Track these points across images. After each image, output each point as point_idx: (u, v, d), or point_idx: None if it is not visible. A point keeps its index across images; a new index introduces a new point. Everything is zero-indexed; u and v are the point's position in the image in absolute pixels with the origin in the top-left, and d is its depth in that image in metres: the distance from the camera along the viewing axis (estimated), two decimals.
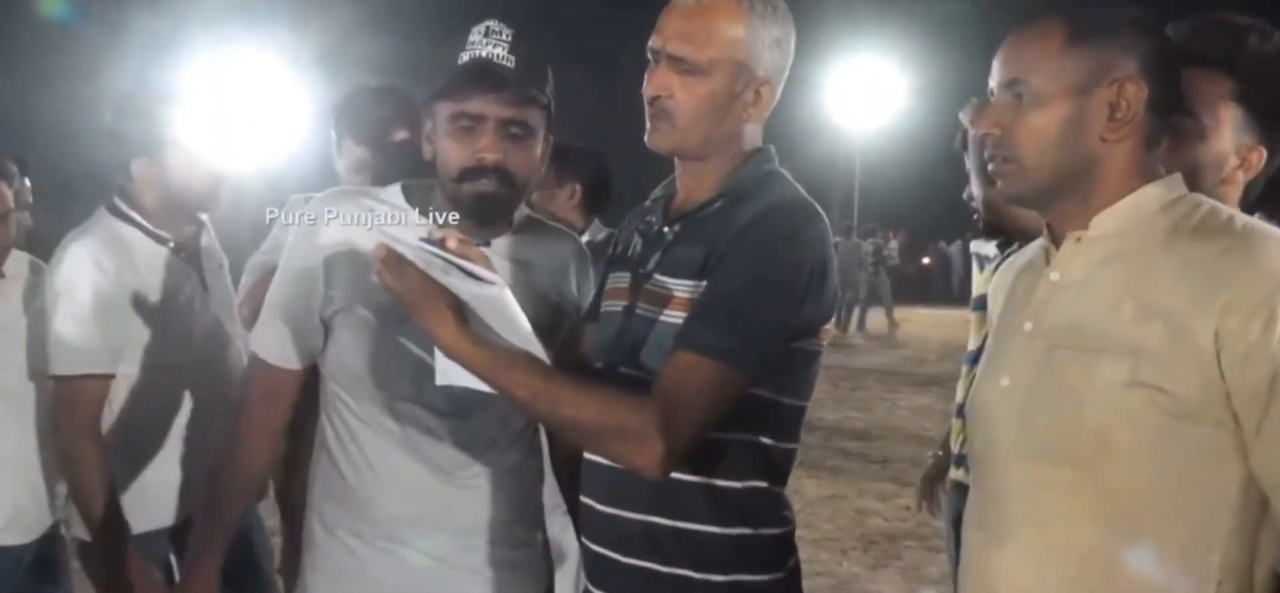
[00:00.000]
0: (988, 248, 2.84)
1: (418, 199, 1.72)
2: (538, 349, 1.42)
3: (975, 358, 2.53)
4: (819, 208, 1.52)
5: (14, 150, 2.54)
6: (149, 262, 2.18)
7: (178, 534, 2.21)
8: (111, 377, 2.13)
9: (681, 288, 1.49)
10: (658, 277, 1.53)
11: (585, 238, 2.73)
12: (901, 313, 16.89)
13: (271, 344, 1.76)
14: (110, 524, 2.08)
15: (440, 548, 1.72)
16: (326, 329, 1.72)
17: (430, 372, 1.46)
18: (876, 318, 16.59)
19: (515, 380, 1.40)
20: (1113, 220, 1.32)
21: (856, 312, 16.50)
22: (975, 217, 2.43)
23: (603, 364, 1.59)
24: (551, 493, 1.75)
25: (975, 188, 2.37)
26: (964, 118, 2.41)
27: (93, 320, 2.09)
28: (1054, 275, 1.36)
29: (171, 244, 2.22)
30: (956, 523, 2.12)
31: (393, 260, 1.38)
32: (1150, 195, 1.32)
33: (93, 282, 2.09)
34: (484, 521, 1.74)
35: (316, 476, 1.79)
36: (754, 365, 1.43)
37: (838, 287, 1.55)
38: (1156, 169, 1.34)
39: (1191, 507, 1.24)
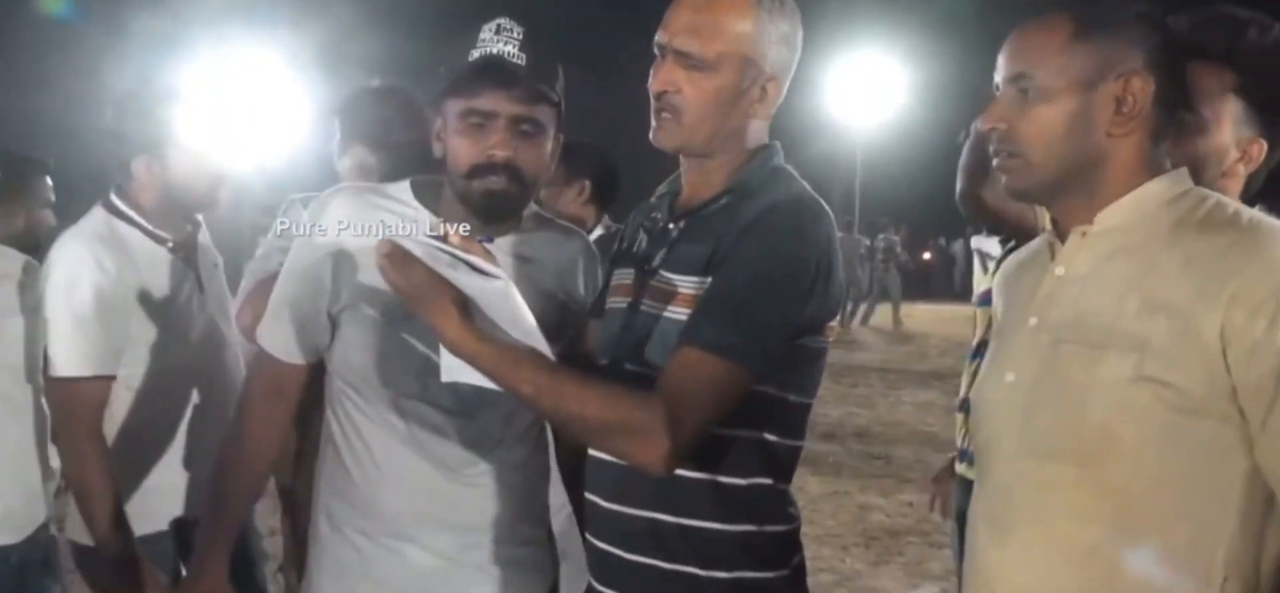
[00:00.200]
0: (990, 244, 2.84)
1: (427, 196, 1.72)
2: (542, 345, 1.41)
3: (978, 353, 2.53)
4: (825, 205, 1.52)
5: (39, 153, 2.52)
6: (149, 261, 2.17)
7: (181, 536, 2.20)
8: (113, 378, 2.12)
9: (686, 284, 1.48)
10: (663, 273, 1.52)
11: (594, 235, 2.72)
12: (904, 309, 16.90)
13: (277, 338, 1.75)
14: (116, 526, 2.07)
15: (445, 545, 1.72)
16: (334, 325, 1.72)
17: (436, 369, 1.46)
18: (884, 313, 16.59)
19: (520, 376, 1.39)
20: (1118, 215, 1.32)
21: (862, 307, 16.50)
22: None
23: (607, 360, 1.59)
24: (557, 490, 1.75)
25: (958, 183, 2.36)
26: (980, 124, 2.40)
27: (95, 321, 2.08)
28: (1059, 270, 1.35)
29: (170, 244, 2.22)
30: (961, 518, 2.12)
31: (397, 256, 1.38)
32: (1155, 190, 1.31)
33: (94, 281, 2.08)
34: (489, 518, 1.74)
35: (322, 472, 1.79)
36: (759, 362, 1.43)
37: (843, 283, 1.55)
38: (1162, 164, 1.34)
39: (1196, 503, 1.24)
